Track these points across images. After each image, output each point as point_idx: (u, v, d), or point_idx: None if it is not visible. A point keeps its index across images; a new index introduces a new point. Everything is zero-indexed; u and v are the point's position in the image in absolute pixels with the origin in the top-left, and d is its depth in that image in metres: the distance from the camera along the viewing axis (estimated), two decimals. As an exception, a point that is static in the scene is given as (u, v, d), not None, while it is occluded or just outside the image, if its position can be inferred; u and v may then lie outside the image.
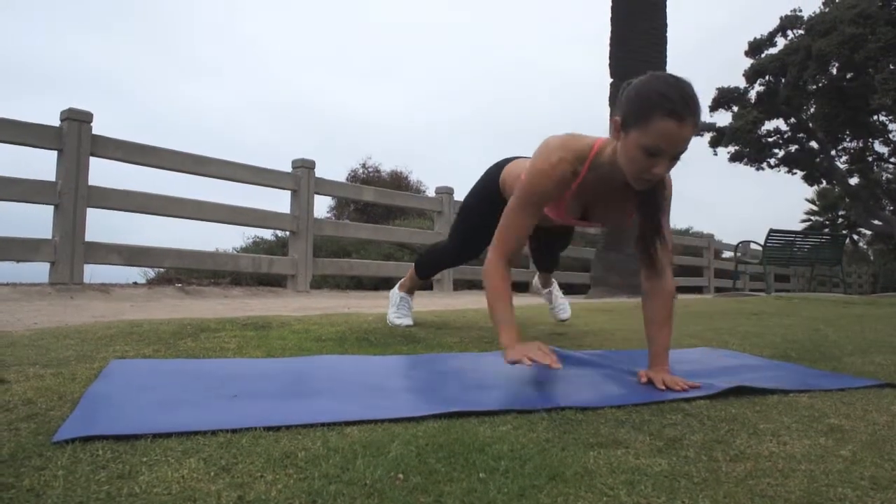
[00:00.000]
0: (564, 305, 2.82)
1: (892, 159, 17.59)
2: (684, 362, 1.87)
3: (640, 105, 1.39)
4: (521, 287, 8.71)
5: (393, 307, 2.57)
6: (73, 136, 4.44)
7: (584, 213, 1.76)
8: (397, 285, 2.63)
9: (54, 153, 4.45)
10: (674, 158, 1.41)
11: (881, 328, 2.85)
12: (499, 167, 2.11)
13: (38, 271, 4.43)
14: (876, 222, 17.86)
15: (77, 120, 4.48)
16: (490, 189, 2.12)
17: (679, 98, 1.35)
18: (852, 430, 1.16)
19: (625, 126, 1.43)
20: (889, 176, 18.60)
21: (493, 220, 2.18)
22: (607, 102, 7.18)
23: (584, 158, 1.57)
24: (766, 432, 1.13)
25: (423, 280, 2.61)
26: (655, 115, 1.35)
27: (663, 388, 1.45)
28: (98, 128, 4.64)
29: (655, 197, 1.57)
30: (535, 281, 2.89)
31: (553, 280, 2.84)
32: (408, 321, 2.50)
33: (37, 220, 4.52)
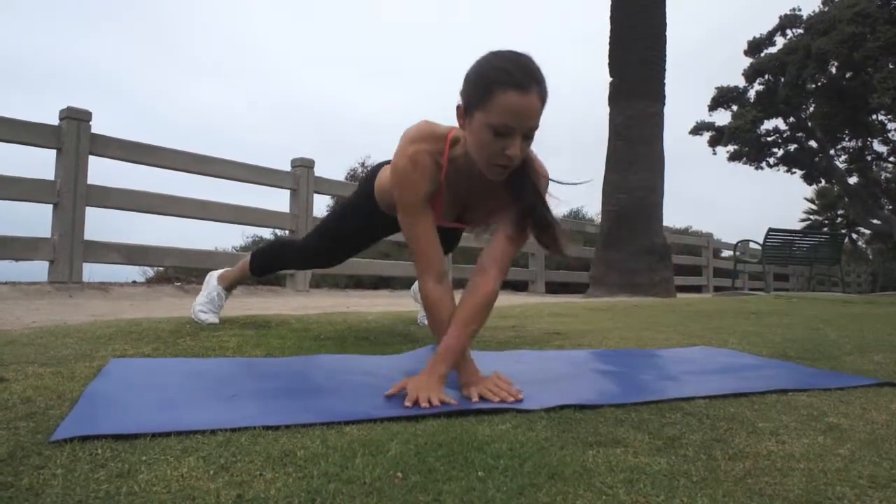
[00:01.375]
0: None
1: (891, 158, 17.61)
2: (684, 361, 1.87)
3: (479, 84, 1.30)
4: (521, 287, 8.71)
5: (204, 297, 2.26)
6: (73, 134, 4.44)
7: (461, 216, 1.64)
8: (218, 275, 2.30)
9: (53, 152, 4.45)
10: (526, 137, 1.32)
11: (880, 327, 2.85)
12: (375, 170, 1.91)
13: (37, 270, 4.43)
14: (875, 221, 17.88)
15: (76, 119, 4.48)
16: (365, 193, 1.90)
17: (518, 69, 1.28)
18: (851, 428, 1.16)
19: (468, 110, 1.33)
20: (888, 175, 18.62)
21: (361, 228, 2.00)
22: (607, 102, 7.18)
23: (442, 150, 1.46)
24: (764, 431, 1.13)
25: (257, 277, 2.32)
26: (497, 90, 1.27)
27: (476, 399, 1.28)
28: (98, 127, 4.64)
29: (531, 181, 1.44)
30: (416, 287, 2.56)
31: None
32: (214, 319, 2.23)
33: (36, 219, 4.53)
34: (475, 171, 1.41)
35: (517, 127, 1.29)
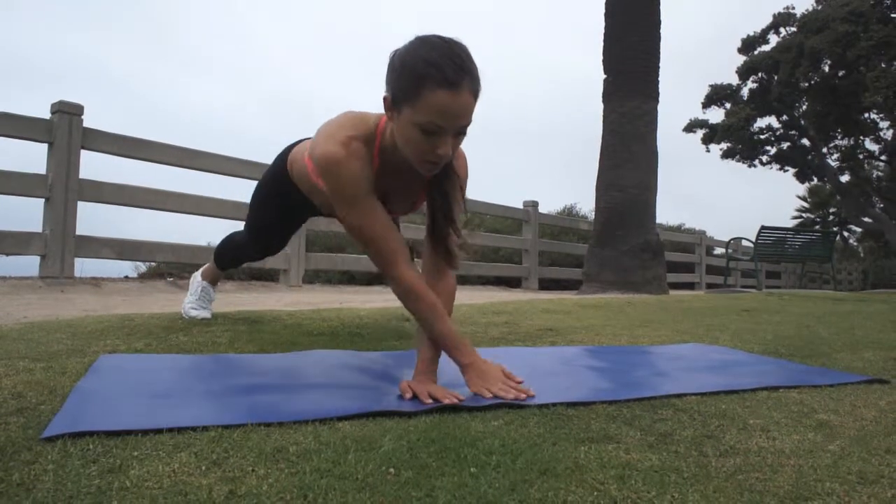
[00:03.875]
0: None
1: (882, 157, 17.71)
2: (676, 358, 1.88)
3: (407, 78, 1.20)
4: (514, 283, 8.72)
5: (192, 296, 2.29)
6: (64, 128, 4.41)
7: (384, 204, 1.50)
8: (200, 272, 2.35)
9: (45, 146, 4.42)
10: (458, 134, 1.25)
11: (870, 325, 2.87)
12: (286, 150, 1.85)
13: (28, 265, 4.41)
14: (866, 219, 17.99)
15: (68, 112, 4.44)
16: (278, 174, 1.83)
17: (449, 63, 1.18)
18: (840, 425, 1.17)
19: (395, 104, 1.24)
20: (879, 173, 18.72)
21: (285, 209, 1.94)
22: (601, 99, 7.19)
23: (373, 140, 1.37)
24: (755, 428, 1.14)
25: (223, 271, 2.36)
26: (425, 88, 1.18)
27: (429, 401, 1.22)
28: (92, 122, 4.61)
29: (447, 183, 1.39)
30: None
31: None
32: (206, 314, 2.27)
33: (27, 214, 4.50)
34: (405, 163, 1.33)
35: (447, 127, 1.22)
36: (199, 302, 2.29)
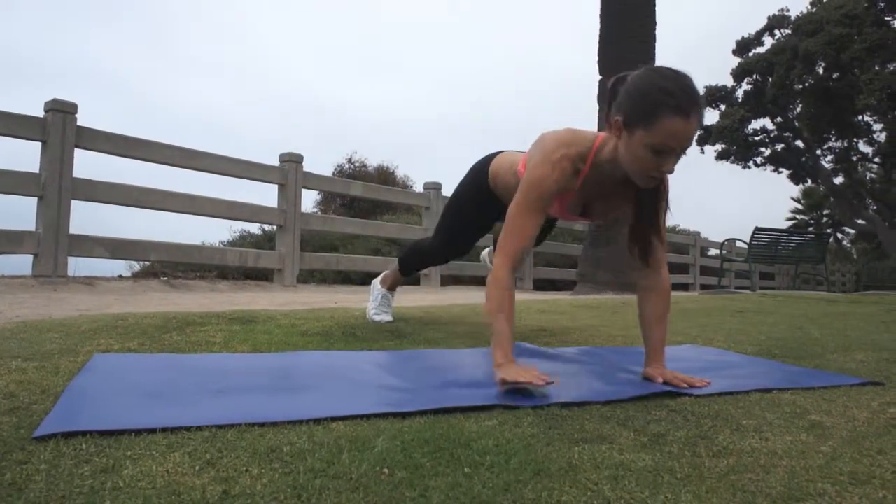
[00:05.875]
0: None
1: (876, 159, 17.79)
2: (669, 360, 1.88)
3: (643, 104, 1.36)
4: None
5: (373, 302, 2.50)
6: (58, 127, 4.39)
7: (584, 210, 1.74)
8: (379, 279, 2.55)
9: (38, 144, 4.40)
10: (680, 154, 1.41)
11: (863, 326, 2.88)
12: (486, 161, 2.08)
13: (20, 263, 4.39)
14: (860, 221, 18.07)
15: (61, 111, 4.43)
16: (478, 184, 2.07)
17: (683, 93, 1.34)
18: (833, 426, 1.17)
19: (628, 125, 1.40)
20: (873, 175, 18.81)
21: (481, 217, 2.19)
22: (596, 99, 7.19)
23: (586, 156, 1.54)
24: (748, 428, 1.14)
25: (407, 277, 2.54)
26: (661, 114, 1.33)
27: (661, 381, 1.46)
28: (88, 120, 4.60)
29: (655, 194, 1.56)
30: (486, 253, 2.79)
31: None
32: (388, 318, 2.44)
33: (20, 212, 4.48)
34: (612, 176, 1.54)
35: (677, 148, 1.37)
36: (379, 308, 2.48)
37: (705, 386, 1.45)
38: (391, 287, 2.52)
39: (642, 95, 1.37)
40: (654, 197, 1.57)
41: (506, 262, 1.53)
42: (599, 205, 1.71)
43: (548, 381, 1.30)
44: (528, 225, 1.55)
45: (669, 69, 1.40)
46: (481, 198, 2.07)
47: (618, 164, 1.48)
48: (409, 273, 2.51)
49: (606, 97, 1.51)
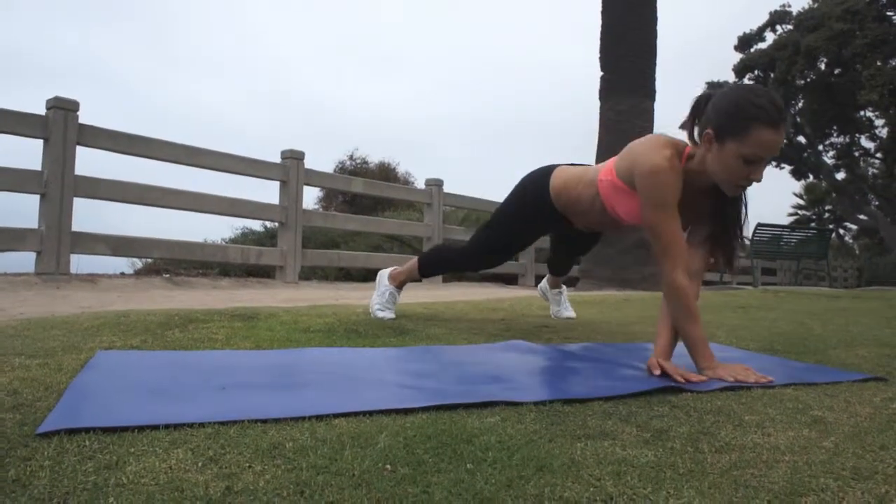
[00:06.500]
0: (569, 305, 2.85)
1: (878, 154, 17.75)
2: (672, 355, 1.88)
3: (736, 117, 1.47)
4: (511, 280, 8.72)
5: (379, 298, 2.47)
6: (60, 124, 4.39)
7: None
8: (388, 274, 2.52)
9: (40, 142, 4.40)
10: (767, 163, 1.53)
11: (865, 321, 2.88)
12: (542, 176, 2.08)
13: (23, 261, 4.39)
14: (861, 217, 18.04)
15: (63, 108, 4.43)
16: (534, 199, 2.09)
17: (773, 107, 1.46)
18: (835, 421, 1.17)
19: (719, 137, 1.51)
20: (875, 171, 18.77)
21: (535, 231, 2.26)
22: (598, 97, 7.18)
23: (680, 161, 1.63)
24: (750, 424, 1.14)
25: (423, 279, 2.55)
26: (754, 126, 1.45)
27: (680, 379, 1.47)
28: (91, 118, 4.60)
29: (738, 201, 1.67)
30: (545, 284, 2.87)
31: (562, 283, 2.84)
32: (390, 315, 2.43)
33: (23, 210, 4.48)
34: (696, 185, 1.63)
35: (766, 157, 1.49)
36: (385, 304, 2.46)
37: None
38: (400, 284, 2.51)
39: (736, 110, 1.48)
40: (736, 207, 1.67)
41: (675, 268, 1.60)
42: (684, 213, 1.74)
43: (761, 381, 1.43)
44: (676, 226, 1.62)
45: (760, 87, 1.54)
46: (538, 213, 2.10)
47: (702, 175, 1.59)
48: (427, 275, 2.51)
49: (691, 112, 1.62)
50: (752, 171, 1.50)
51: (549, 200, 2.05)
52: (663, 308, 1.67)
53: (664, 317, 1.66)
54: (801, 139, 17.67)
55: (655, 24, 7.17)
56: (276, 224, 6.32)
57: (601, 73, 7.18)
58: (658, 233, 1.62)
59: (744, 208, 1.71)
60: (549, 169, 2.10)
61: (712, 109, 1.54)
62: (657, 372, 1.50)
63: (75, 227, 4.47)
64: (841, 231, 24.55)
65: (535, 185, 2.10)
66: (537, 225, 2.21)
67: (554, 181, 2.05)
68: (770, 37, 17.52)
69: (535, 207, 2.10)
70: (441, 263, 2.53)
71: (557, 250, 2.61)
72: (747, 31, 17.88)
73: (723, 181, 1.56)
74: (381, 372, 1.50)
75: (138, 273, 6.64)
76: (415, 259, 2.50)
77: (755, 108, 1.46)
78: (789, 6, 17.24)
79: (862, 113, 16.18)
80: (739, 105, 1.48)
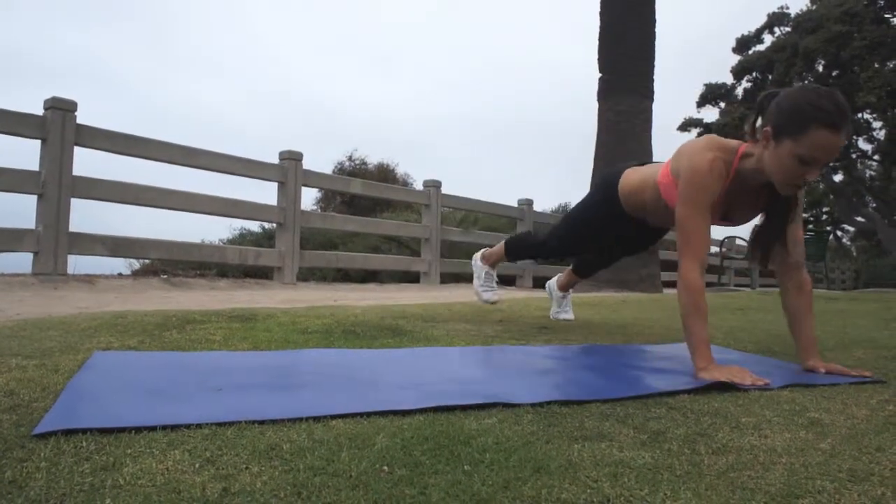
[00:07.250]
0: (569, 308, 2.87)
1: (875, 157, 17.78)
2: (669, 357, 1.89)
3: (796, 116, 1.47)
4: (508, 281, 8.73)
5: (478, 281, 2.62)
6: (58, 125, 4.39)
7: (725, 215, 1.81)
8: (480, 256, 2.66)
9: (38, 142, 4.39)
10: (824, 165, 1.52)
11: (862, 323, 2.88)
12: (614, 177, 2.13)
13: (20, 261, 4.38)
14: (859, 219, 18.06)
15: (61, 109, 4.42)
16: (606, 200, 2.14)
17: (835, 108, 1.44)
18: (832, 423, 1.17)
19: (777, 136, 1.51)
20: (872, 173, 18.80)
21: (606, 232, 2.30)
22: (596, 97, 7.19)
23: (731, 161, 1.64)
24: (747, 426, 1.14)
25: (509, 261, 2.66)
26: (812, 126, 1.44)
27: (824, 372, 1.59)
28: (95, 121, 4.60)
29: (793, 199, 1.67)
30: (555, 282, 2.86)
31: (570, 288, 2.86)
32: (494, 296, 2.58)
33: (20, 210, 4.47)
34: (753, 183, 1.65)
35: (823, 160, 1.49)
36: (486, 285, 2.62)
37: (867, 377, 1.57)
38: (493, 265, 2.65)
39: (796, 109, 1.48)
40: (786, 207, 1.68)
41: (694, 266, 1.61)
42: (739, 211, 1.79)
43: (757, 384, 1.43)
44: (703, 225, 1.64)
45: (824, 89, 1.50)
46: (610, 216, 2.15)
47: (758, 173, 1.60)
48: (511, 259, 2.62)
49: (755, 110, 1.63)
50: (807, 171, 1.50)
51: (620, 206, 2.10)
52: (790, 310, 1.73)
53: (794, 318, 1.73)
54: (799, 141, 17.67)
55: (654, 24, 7.18)
56: (274, 225, 6.32)
57: (599, 75, 7.19)
58: (683, 226, 1.65)
59: (799, 207, 1.71)
60: (617, 173, 2.14)
61: (775, 107, 1.55)
62: (823, 371, 1.60)
63: (73, 228, 4.46)
64: (838, 233, 24.59)
65: (605, 188, 2.16)
66: (610, 228, 2.26)
67: (622, 189, 2.09)
68: (768, 39, 17.58)
69: (609, 212, 2.15)
70: (524, 250, 2.60)
71: (610, 251, 2.59)
72: (745, 32, 17.92)
73: (777, 180, 1.56)
74: (379, 373, 1.49)
75: (136, 274, 6.63)
76: (502, 242, 2.62)
77: (815, 108, 1.45)
78: (788, 8, 17.29)
79: (860, 115, 16.21)
80: (800, 105, 1.48)
